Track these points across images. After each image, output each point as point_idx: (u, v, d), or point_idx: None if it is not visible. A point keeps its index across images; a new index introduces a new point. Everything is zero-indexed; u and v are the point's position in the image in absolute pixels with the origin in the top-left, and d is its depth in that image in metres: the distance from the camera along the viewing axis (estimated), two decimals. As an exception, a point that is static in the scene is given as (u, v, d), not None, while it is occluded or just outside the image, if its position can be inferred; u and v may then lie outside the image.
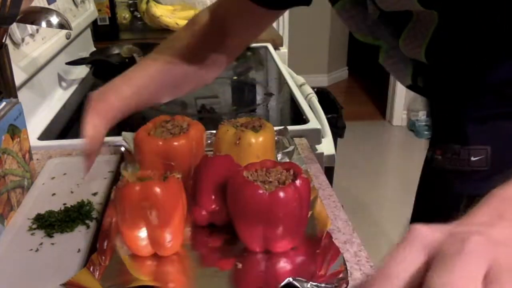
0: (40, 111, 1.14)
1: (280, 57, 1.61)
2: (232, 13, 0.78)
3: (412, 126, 3.52)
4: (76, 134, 0.96)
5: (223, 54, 0.82)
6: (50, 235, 0.68)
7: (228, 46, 0.80)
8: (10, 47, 0.96)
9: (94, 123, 0.71)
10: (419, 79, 0.71)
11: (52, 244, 0.66)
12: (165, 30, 1.88)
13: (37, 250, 0.65)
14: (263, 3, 0.71)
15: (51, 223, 0.70)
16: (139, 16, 1.99)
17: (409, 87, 0.74)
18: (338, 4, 0.67)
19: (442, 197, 0.85)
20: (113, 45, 1.57)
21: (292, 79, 1.36)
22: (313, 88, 1.37)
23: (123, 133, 0.90)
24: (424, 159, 0.92)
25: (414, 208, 0.94)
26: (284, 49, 1.87)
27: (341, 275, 0.55)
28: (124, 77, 0.78)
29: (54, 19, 0.89)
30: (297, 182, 0.59)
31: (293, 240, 0.61)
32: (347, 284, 0.54)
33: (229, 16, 0.78)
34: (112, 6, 1.83)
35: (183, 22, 1.81)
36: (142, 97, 0.79)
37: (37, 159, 0.90)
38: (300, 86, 1.31)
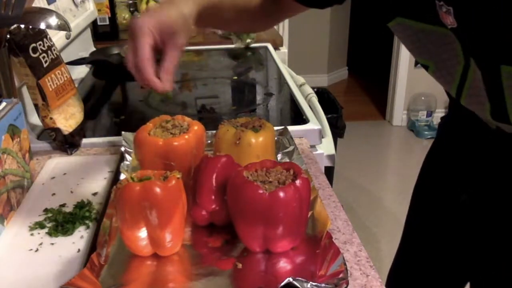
0: (40, 111, 1.14)
1: (280, 57, 1.61)
2: None
3: (412, 126, 3.52)
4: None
5: (277, 10, 0.87)
6: (50, 235, 0.68)
7: (282, 9, 0.86)
8: (10, 47, 0.96)
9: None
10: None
11: (52, 244, 0.66)
12: (165, 30, 1.88)
13: (37, 250, 0.65)
14: (303, 2, 0.79)
15: (51, 223, 0.70)
16: (139, 16, 1.99)
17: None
18: (392, 22, 0.68)
19: (441, 192, 0.85)
20: (113, 45, 1.57)
21: (292, 79, 1.35)
22: (313, 88, 1.37)
23: (123, 133, 0.90)
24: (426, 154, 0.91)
25: (411, 206, 0.94)
26: (284, 49, 1.87)
27: (341, 275, 0.55)
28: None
29: (53, 20, 0.88)
30: (297, 182, 0.59)
31: (293, 240, 0.61)
32: (347, 284, 0.54)
33: None
34: (112, 6, 1.83)
35: (183, 22, 1.81)
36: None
37: (37, 159, 0.90)
38: (300, 86, 1.31)
